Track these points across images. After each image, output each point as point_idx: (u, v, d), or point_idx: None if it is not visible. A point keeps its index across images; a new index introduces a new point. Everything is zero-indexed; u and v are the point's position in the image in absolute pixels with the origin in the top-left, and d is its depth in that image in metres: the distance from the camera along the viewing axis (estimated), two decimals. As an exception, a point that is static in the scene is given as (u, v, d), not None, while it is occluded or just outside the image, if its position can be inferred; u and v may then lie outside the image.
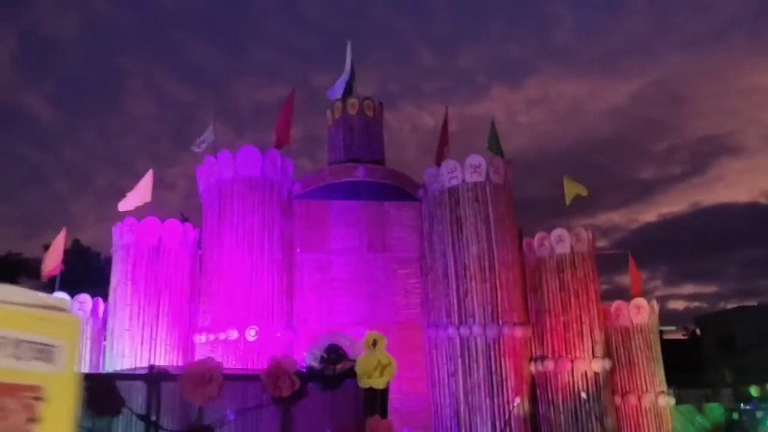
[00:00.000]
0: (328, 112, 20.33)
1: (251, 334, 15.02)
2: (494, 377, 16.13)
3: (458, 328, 16.57)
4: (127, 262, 16.05)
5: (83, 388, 4.11)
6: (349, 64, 20.46)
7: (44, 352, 1.63)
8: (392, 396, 16.40)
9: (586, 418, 16.68)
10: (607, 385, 17.28)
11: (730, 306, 49.54)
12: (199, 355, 15.46)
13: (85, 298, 16.28)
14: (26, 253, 39.60)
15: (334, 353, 4.70)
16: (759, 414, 21.84)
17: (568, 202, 18.53)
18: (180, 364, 14.95)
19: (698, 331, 49.93)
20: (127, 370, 11.42)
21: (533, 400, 17.07)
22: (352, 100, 19.77)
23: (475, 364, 16.31)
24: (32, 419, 1.54)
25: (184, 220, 17.07)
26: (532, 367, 17.43)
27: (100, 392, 3.89)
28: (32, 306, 1.62)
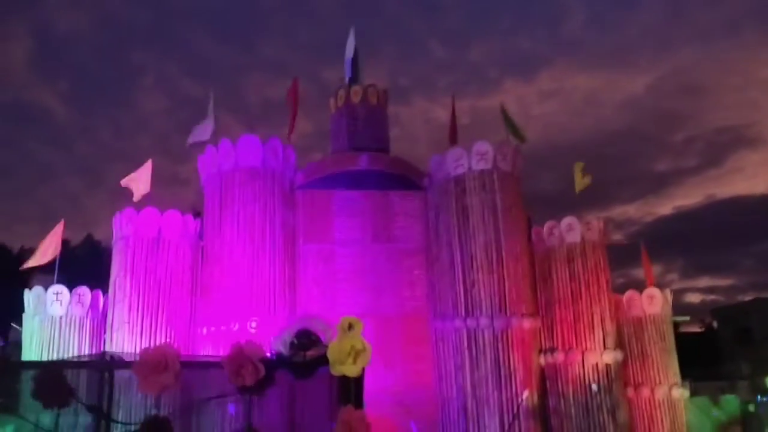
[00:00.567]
0: (331, 99, 19.95)
1: (252, 327, 14.69)
2: (502, 370, 15.71)
3: (465, 320, 16.16)
4: (126, 253, 15.77)
5: (27, 378, 3.79)
6: (352, 50, 20.03)
7: None
8: (398, 389, 16.24)
9: (597, 412, 16.22)
10: (619, 377, 16.79)
11: (746, 298, 48.61)
12: (201, 348, 15.18)
13: (83, 290, 16.03)
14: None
15: (306, 338, 4.33)
16: (776, 406, 21.27)
17: (577, 190, 18.01)
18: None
19: (715, 324, 49.16)
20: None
21: (543, 393, 16.62)
22: (355, 87, 19.37)
23: (482, 357, 15.90)
24: None
25: (197, 215, 16.77)
26: (542, 359, 16.98)
27: (47, 382, 3.57)
28: None
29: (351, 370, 4.00)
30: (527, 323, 16.32)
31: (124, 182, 16.75)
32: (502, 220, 16.72)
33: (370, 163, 17.90)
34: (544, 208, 17.39)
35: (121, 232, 16.08)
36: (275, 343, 4.22)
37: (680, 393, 17.62)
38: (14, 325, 15.07)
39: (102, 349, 15.50)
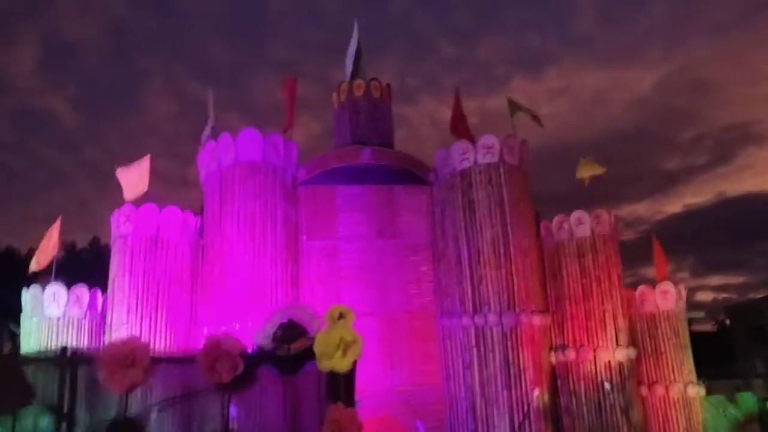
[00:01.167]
0: (334, 94, 19.55)
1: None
2: (512, 368, 15.25)
3: (473, 317, 15.71)
4: (124, 252, 15.40)
5: None
6: (355, 44, 19.64)
7: None
8: (405, 388, 15.79)
9: (610, 411, 15.73)
10: (632, 375, 16.30)
11: (759, 296, 47.84)
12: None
13: (81, 290, 15.67)
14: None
15: (290, 330, 3.86)
16: (794, 404, 20.68)
17: (585, 183, 17.52)
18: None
19: (728, 322, 48.43)
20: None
21: (554, 391, 16.14)
22: (358, 81, 18.97)
23: (491, 355, 15.45)
24: None
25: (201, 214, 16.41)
26: (552, 357, 16.50)
27: (3, 379, 3.18)
28: None
29: (340, 365, 3.59)
30: (537, 320, 15.85)
31: (119, 171, 16.33)
32: (510, 215, 16.28)
33: (374, 158, 17.46)
34: (553, 208, 17.03)
35: (120, 231, 15.71)
36: (257, 336, 3.76)
37: (696, 391, 17.11)
38: (12, 327, 14.69)
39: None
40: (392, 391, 15.83)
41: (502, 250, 16.01)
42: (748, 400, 18.85)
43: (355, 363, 3.58)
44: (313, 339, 3.69)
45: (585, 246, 16.84)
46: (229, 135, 16.16)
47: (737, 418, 18.27)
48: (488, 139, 16.58)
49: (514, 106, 17.61)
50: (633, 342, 16.72)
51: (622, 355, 16.12)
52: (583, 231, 16.90)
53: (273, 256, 15.57)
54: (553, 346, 16.62)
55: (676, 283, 17.84)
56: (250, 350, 3.65)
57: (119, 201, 16.13)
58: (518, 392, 15.11)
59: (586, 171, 17.57)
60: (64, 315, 15.35)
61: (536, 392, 15.13)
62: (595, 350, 16.13)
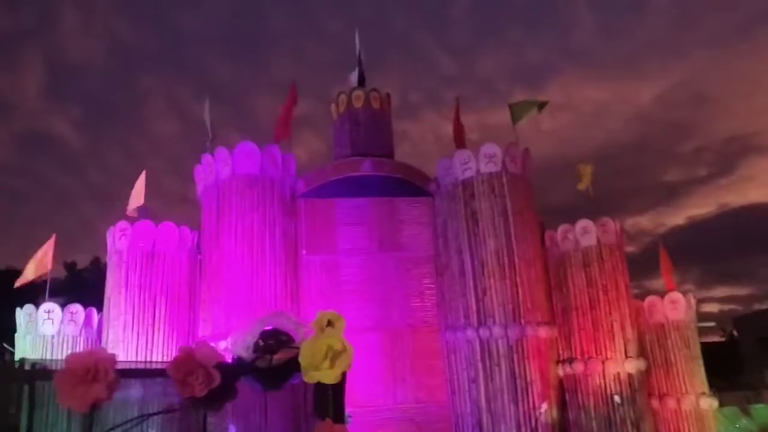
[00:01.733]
0: (333, 105, 19.29)
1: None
2: (518, 382, 14.83)
3: (477, 330, 15.33)
4: (120, 268, 15.09)
5: None
6: (357, 55, 19.44)
7: None
8: (409, 405, 15.35)
9: (620, 424, 15.28)
10: (642, 387, 15.86)
11: (765, 307, 47.30)
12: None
13: (76, 308, 15.34)
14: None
15: (274, 339, 3.49)
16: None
17: (588, 190, 17.15)
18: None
19: (735, 333, 47.82)
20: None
21: (562, 405, 15.71)
22: (357, 92, 18.71)
23: (497, 368, 15.04)
24: None
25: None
26: (560, 370, 16.07)
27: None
28: None
29: (327, 376, 3.22)
30: (543, 332, 15.46)
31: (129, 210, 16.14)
32: (514, 224, 15.94)
33: (374, 169, 17.16)
34: (556, 222, 16.75)
35: (115, 247, 15.40)
36: (235, 346, 3.43)
37: (708, 403, 16.63)
38: (6, 346, 14.34)
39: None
40: (396, 408, 15.44)
41: (506, 261, 15.66)
42: (762, 411, 18.40)
43: (344, 375, 3.22)
44: (298, 349, 3.32)
45: (591, 255, 16.47)
46: (225, 148, 15.89)
47: (751, 430, 17.80)
48: (490, 148, 16.28)
49: (518, 110, 17.29)
50: (642, 353, 16.31)
51: (632, 366, 15.70)
52: (589, 240, 16.54)
53: (272, 270, 15.23)
54: (560, 358, 16.20)
55: (684, 293, 17.42)
56: (229, 361, 3.31)
57: (119, 219, 15.86)
58: (525, 407, 14.69)
59: (584, 178, 17.21)
60: (58, 333, 15.01)
61: (544, 406, 14.71)
62: (603, 362, 15.71)
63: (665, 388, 16.62)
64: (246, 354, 3.48)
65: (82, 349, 14.41)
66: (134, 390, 3.39)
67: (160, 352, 14.56)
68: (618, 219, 17.05)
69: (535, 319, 15.38)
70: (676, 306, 16.95)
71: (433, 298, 16.66)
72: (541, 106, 17.43)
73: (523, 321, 15.16)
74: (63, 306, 15.49)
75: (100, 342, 15.06)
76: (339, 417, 3.31)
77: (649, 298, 17.23)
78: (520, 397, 14.70)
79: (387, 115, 19.21)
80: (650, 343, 16.89)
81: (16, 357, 15.52)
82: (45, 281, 15.83)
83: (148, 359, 14.21)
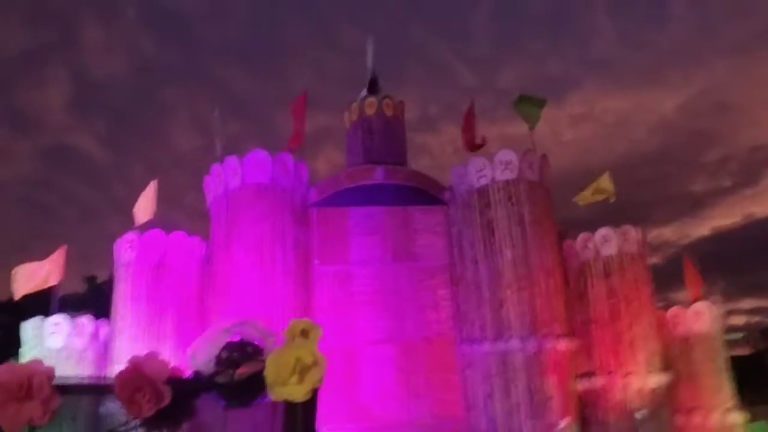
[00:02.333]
0: (346, 113, 18.96)
1: None
2: (536, 397, 14.29)
3: (494, 343, 14.83)
4: (127, 280, 14.81)
5: None
6: (370, 62, 19.12)
7: None
8: (424, 421, 14.87)
9: (644, 441, 14.68)
10: (666, 402, 15.27)
11: (794, 317, 46.07)
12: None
13: (84, 321, 15.08)
14: (75, 288, 38.90)
15: (239, 351, 3.09)
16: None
17: (611, 197, 16.62)
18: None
19: (764, 345, 46.63)
20: None
21: (582, 421, 15.13)
22: (370, 99, 18.37)
23: (514, 383, 14.52)
24: None
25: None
26: (580, 385, 15.50)
27: None
28: None
29: (295, 393, 2.81)
30: (562, 345, 14.92)
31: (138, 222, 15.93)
32: (531, 234, 15.46)
33: (387, 177, 16.77)
34: (578, 233, 16.28)
35: (123, 258, 15.14)
36: (193, 358, 3.05)
37: (736, 418, 15.99)
38: (12, 361, 14.03)
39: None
40: (410, 424, 14.95)
41: (523, 271, 15.17)
42: (793, 427, 17.66)
43: (315, 391, 2.81)
44: (264, 362, 2.92)
45: (612, 265, 15.94)
46: (235, 157, 15.60)
47: (782, 446, 17.09)
48: (506, 155, 15.83)
49: (525, 110, 16.81)
50: (666, 367, 15.69)
51: (656, 380, 15.11)
52: (610, 249, 16.00)
53: (283, 281, 14.88)
54: (580, 372, 15.63)
55: (710, 304, 16.79)
56: (184, 376, 2.93)
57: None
58: (544, 423, 14.15)
59: (607, 188, 16.66)
60: (65, 346, 14.75)
61: (563, 422, 14.16)
62: (625, 376, 15.14)
63: (691, 403, 16.01)
64: (206, 368, 3.07)
65: (90, 362, 14.12)
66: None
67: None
68: (640, 228, 16.48)
69: (553, 331, 14.86)
70: (701, 317, 16.34)
71: (449, 309, 16.19)
72: (541, 104, 16.95)
73: (541, 333, 14.64)
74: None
75: (108, 355, 14.78)
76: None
77: (673, 309, 16.65)
78: (538, 413, 14.17)
79: (400, 122, 18.83)
80: (674, 356, 16.28)
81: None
82: (55, 293, 15.57)
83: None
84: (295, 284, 15.16)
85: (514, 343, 14.58)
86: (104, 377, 3.01)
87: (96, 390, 2.99)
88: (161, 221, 15.87)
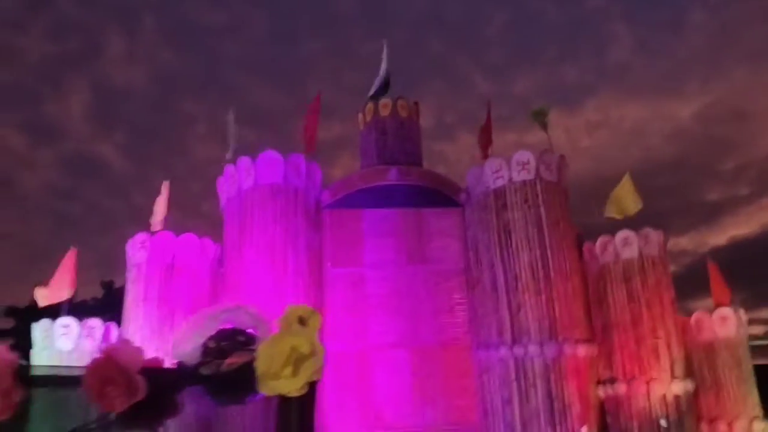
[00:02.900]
0: (360, 115, 18.71)
1: None
2: (555, 403, 13.87)
3: (511, 348, 14.44)
4: (139, 281, 14.60)
5: None
6: (385, 65, 18.89)
7: None
8: (439, 428, 14.46)
9: (667, 450, 14.17)
10: (690, 410, 14.74)
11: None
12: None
13: (95, 323, 14.84)
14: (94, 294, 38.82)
15: (228, 340, 2.75)
16: None
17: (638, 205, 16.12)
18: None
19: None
20: None
21: (603, 429, 14.66)
22: (384, 101, 18.10)
23: (532, 389, 14.11)
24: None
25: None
26: (600, 391, 15.04)
27: None
28: None
29: (289, 386, 2.49)
30: (582, 350, 14.49)
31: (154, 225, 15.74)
32: (549, 236, 15.08)
33: (401, 177, 16.47)
34: (596, 237, 15.86)
35: (134, 259, 14.93)
36: (176, 348, 2.71)
37: (762, 427, 15.39)
38: (23, 362, 13.83)
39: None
40: (424, 430, 14.58)
41: (541, 275, 14.78)
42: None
43: (313, 386, 2.47)
44: (255, 351, 2.57)
45: (633, 268, 15.47)
46: (248, 158, 15.38)
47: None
48: (523, 155, 15.48)
49: (538, 117, 16.47)
50: (690, 374, 15.18)
51: (679, 388, 14.61)
52: (630, 252, 15.55)
53: (294, 283, 14.59)
54: (601, 379, 15.17)
55: (735, 309, 16.25)
56: (163, 367, 2.59)
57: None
58: (564, 430, 13.71)
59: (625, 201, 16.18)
60: (75, 348, 14.51)
61: (584, 430, 13.71)
62: (648, 383, 14.65)
63: (715, 412, 15.44)
64: (190, 358, 2.75)
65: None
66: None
67: (179, 369, 13.96)
68: (661, 230, 16.01)
69: (573, 336, 14.43)
70: (726, 323, 15.80)
71: (464, 313, 15.83)
72: (545, 112, 16.61)
73: (560, 339, 14.22)
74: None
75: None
76: None
77: (697, 314, 16.12)
78: (557, 420, 13.73)
79: (415, 123, 18.53)
80: (698, 363, 15.75)
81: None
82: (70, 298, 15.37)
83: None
84: (307, 286, 14.87)
85: (533, 349, 14.18)
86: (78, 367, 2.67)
87: (67, 381, 2.69)
88: (178, 229, 15.65)
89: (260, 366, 2.52)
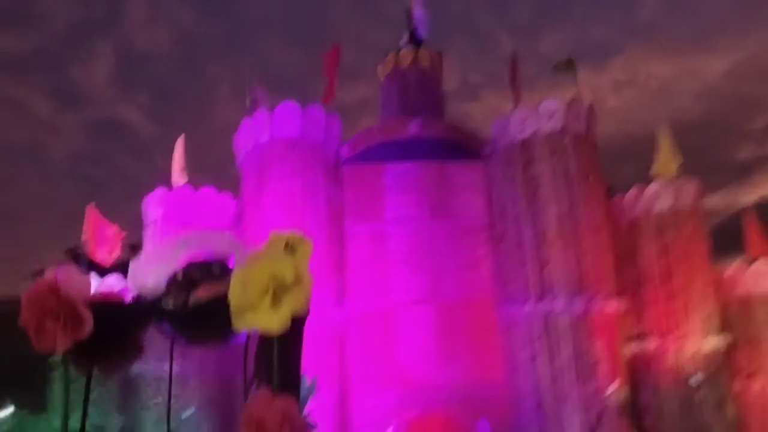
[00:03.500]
0: (379, 67, 18.07)
1: None
2: (583, 360, 13.44)
3: (538, 304, 14.01)
4: (155, 238, 14.34)
5: None
6: (416, 12, 18.07)
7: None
8: (463, 384, 14.12)
9: (700, 408, 13.72)
10: (724, 366, 14.24)
11: None
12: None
13: (114, 280, 14.61)
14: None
15: (200, 271, 2.29)
16: None
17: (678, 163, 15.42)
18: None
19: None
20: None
21: (633, 386, 14.21)
22: (405, 50, 17.45)
23: (559, 346, 13.70)
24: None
25: None
26: (630, 348, 14.55)
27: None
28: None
29: (268, 320, 2.03)
30: (611, 306, 14.00)
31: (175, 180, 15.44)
32: (577, 189, 14.50)
33: (423, 129, 15.88)
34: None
35: (151, 216, 14.68)
36: (135, 278, 2.27)
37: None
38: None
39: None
40: (449, 388, 14.23)
41: (569, 229, 14.25)
42: None
43: (298, 322, 2.00)
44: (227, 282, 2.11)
45: (665, 221, 14.85)
46: (265, 110, 14.91)
47: None
48: (551, 104, 14.81)
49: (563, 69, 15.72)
50: (724, 329, 14.62)
51: (713, 344, 14.10)
52: (663, 204, 14.90)
53: (314, 239, 14.19)
54: (631, 335, 14.69)
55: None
56: (118, 299, 2.15)
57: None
58: (592, 387, 13.32)
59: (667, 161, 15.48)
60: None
61: (613, 387, 13.30)
62: (679, 339, 14.16)
63: (750, 368, 14.93)
64: (151, 292, 2.29)
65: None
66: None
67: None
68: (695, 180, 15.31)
69: (601, 291, 13.95)
70: (763, 277, 15.16)
71: (489, 269, 15.35)
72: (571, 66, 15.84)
73: (588, 294, 13.75)
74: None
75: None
76: (286, 384, 2.11)
77: (732, 268, 15.52)
78: (585, 377, 13.33)
79: (438, 74, 17.86)
80: (732, 318, 15.16)
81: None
82: (81, 252, 15.14)
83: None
84: (328, 243, 14.53)
85: (560, 304, 13.73)
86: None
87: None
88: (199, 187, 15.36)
89: (233, 295, 2.07)
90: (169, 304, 2.24)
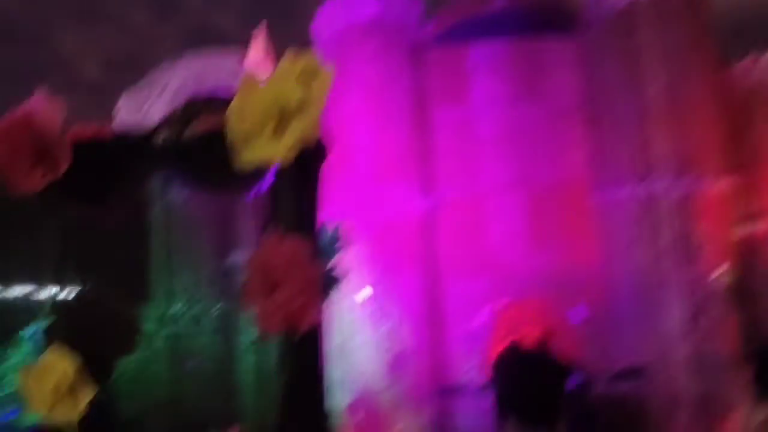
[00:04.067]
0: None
1: None
2: (686, 243, 12.62)
3: (639, 185, 13.12)
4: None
5: None
6: None
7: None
8: (554, 269, 13.69)
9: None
10: None
11: None
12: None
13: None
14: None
15: (202, 104, 1.96)
16: None
17: None
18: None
19: None
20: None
21: (743, 270, 13.29)
22: None
23: (661, 229, 12.89)
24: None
25: None
26: (741, 229, 13.51)
27: None
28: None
29: (270, 150, 1.67)
30: (720, 184, 12.93)
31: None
32: (685, 59, 13.12)
33: (510, 1, 14.77)
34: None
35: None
36: (122, 110, 1.99)
37: None
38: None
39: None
40: (542, 273, 13.83)
41: (675, 104, 13.04)
42: None
43: (310, 153, 1.63)
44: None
45: (785, 91, 13.32)
46: (339, -6, 14.25)
47: None
48: (656, -37, 13.22)
49: None
50: None
51: (835, 224, 12.86)
52: (783, 73, 13.32)
53: (398, 128, 13.85)
54: (740, 216, 13.59)
55: None
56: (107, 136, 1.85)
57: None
58: (695, 272, 12.57)
59: None
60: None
61: (719, 271, 12.50)
62: (798, 220, 13.00)
63: None
64: (143, 120, 1.97)
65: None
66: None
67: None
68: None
69: (708, 170, 12.87)
70: None
71: (584, 151, 14.44)
72: None
73: (695, 172, 12.72)
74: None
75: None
76: (297, 225, 1.77)
77: None
78: (688, 262, 12.57)
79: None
80: None
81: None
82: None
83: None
84: (412, 131, 14.12)
85: (663, 184, 12.81)
86: None
87: None
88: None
89: (231, 124, 1.71)
90: (162, 139, 1.91)
